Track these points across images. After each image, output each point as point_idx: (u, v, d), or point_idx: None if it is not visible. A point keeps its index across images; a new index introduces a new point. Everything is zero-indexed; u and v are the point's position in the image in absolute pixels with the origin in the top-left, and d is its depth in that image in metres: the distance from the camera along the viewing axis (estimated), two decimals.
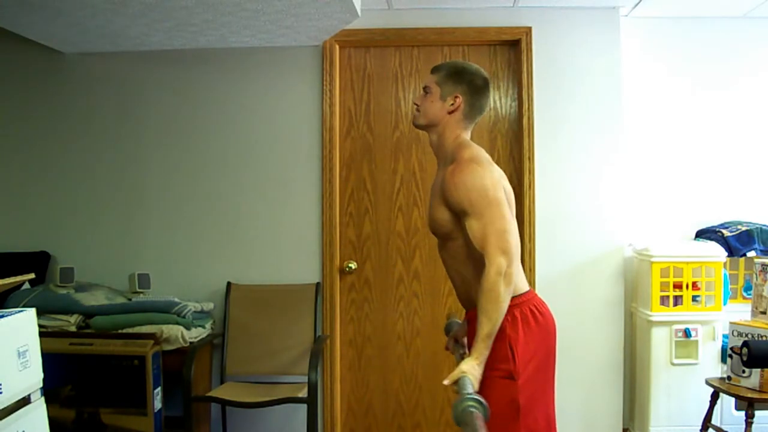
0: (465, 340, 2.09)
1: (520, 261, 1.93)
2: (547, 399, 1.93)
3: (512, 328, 1.81)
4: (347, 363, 3.51)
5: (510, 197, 1.91)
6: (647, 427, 3.16)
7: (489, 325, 1.72)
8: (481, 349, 1.73)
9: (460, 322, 2.21)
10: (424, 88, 2.01)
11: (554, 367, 1.96)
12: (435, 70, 2.01)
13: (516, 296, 1.84)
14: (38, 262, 3.42)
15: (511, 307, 1.79)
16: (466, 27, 3.40)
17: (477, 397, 1.52)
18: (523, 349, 1.81)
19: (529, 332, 1.83)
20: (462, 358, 1.87)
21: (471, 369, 1.70)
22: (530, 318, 1.85)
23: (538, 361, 1.86)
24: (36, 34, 3.22)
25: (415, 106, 2.02)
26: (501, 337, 1.79)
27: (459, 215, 1.84)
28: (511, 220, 1.82)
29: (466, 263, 1.89)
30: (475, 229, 1.79)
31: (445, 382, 1.73)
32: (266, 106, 3.48)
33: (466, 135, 1.98)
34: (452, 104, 1.94)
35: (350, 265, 3.49)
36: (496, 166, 1.90)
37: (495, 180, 1.83)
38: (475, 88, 1.96)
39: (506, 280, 1.73)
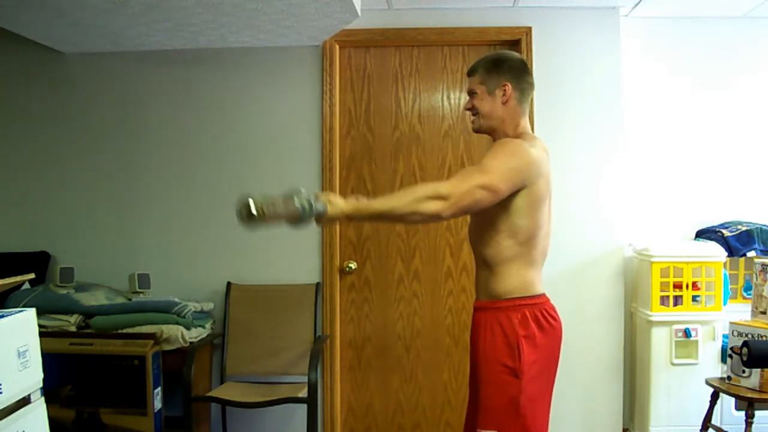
0: None
1: (542, 263, 1.94)
2: (544, 405, 1.93)
3: (522, 327, 1.81)
4: (347, 363, 3.51)
5: (546, 189, 1.90)
6: (647, 427, 3.16)
7: (382, 204, 1.72)
8: (357, 205, 1.71)
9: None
10: (469, 93, 1.99)
11: (555, 375, 1.96)
12: (472, 71, 1.99)
13: (529, 296, 1.85)
14: (38, 262, 3.42)
15: (522, 307, 1.80)
16: (466, 27, 3.40)
17: (309, 198, 1.58)
18: (530, 350, 1.81)
19: (540, 334, 1.84)
20: (471, 356, 1.89)
21: (329, 196, 1.70)
22: (542, 320, 1.86)
23: (542, 365, 1.86)
24: (36, 34, 3.22)
25: (469, 111, 2.00)
26: (510, 333, 1.80)
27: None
28: (490, 197, 1.75)
29: (490, 248, 1.88)
30: (466, 168, 1.79)
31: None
32: (266, 106, 3.48)
33: (525, 120, 1.96)
34: (504, 95, 1.93)
35: (350, 265, 3.49)
36: (539, 152, 1.87)
37: (523, 163, 1.80)
38: (516, 71, 1.95)
39: (428, 206, 1.67)
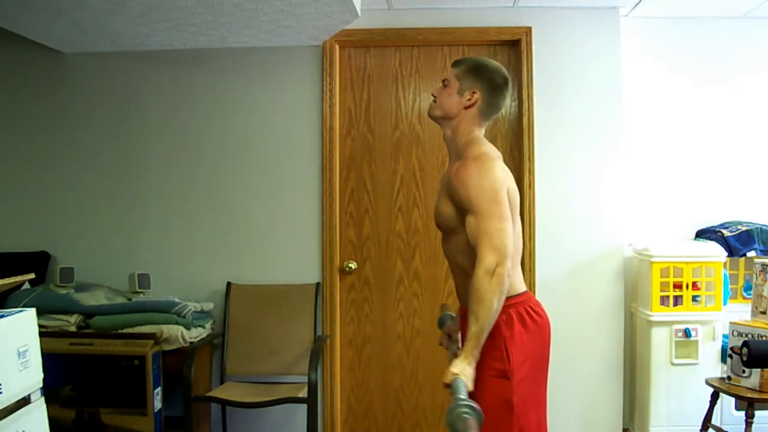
0: (459, 335, 2.08)
1: (519, 262, 1.93)
2: (540, 400, 1.93)
3: (507, 328, 1.81)
4: (347, 363, 3.51)
5: (514, 198, 1.90)
6: (647, 427, 3.16)
7: (476, 324, 1.72)
8: (471, 349, 1.72)
9: (453, 315, 2.20)
10: (444, 81, 1.99)
11: (548, 368, 1.96)
12: (456, 63, 2.00)
13: (512, 296, 1.84)
14: (38, 262, 3.42)
15: (506, 307, 1.79)
16: (466, 27, 3.40)
17: (471, 403, 1.51)
18: (518, 350, 1.81)
19: (524, 332, 1.83)
20: (455, 355, 1.87)
21: (462, 370, 1.70)
22: (526, 318, 1.85)
23: (533, 362, 1.86)
24: (36, 34, 3.22)
25: (433, 97, 2.01)
26: (496, 336, 1.79)
27: (461, 211, 1.84)
28: (510, 221, 1.80)
29: (467, 258, 1.88)
30: (471, 226, 1.79)
31: (444, 381, 1.71)
32: (266, 106, 3.48)
33: (480, 132, 1.96)
34: (469, 99, 1.93)
35: (350, 265, 3.49)
36: (503, 165, 1.88)
37: (498, 179, 1.82)
38: (494, 86, 1.94)
39: (496, 279, 1.70)
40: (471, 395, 1.66)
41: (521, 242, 1.96)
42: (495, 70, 1.97)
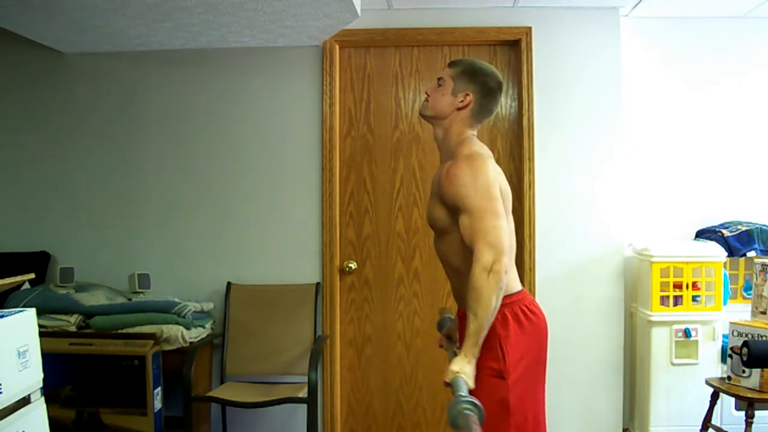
0: (458, 336, 2.09)
1: (513, 261, 1.93)
2: (537, 398, 1.93)
3: (503, 327, 1.81)
4: (347, 363, 3.51)
5: (506, 196, 1.90)
6: (647, 427, 3.16)
7: (475, 322, 1.72)
8: (470, 347, 1.73)
9: (452, 317, 2.20)
10: (438, 80, 2.00)
11: (545, 366, 1.96)
12: (452, 64, 2.00)
13: (507, 295, 1.84)
14: (38, 262, 3.42)
15: (501, 307, 1.79)
16: (466, 27, 3.40)
17: (472, 399, 1.52)
18: (514, 349, 1.81)
19: (520, 332, 1.83)
20: (455, 355, 1.87)
21: (463, 368, 1.71)
22: (521, 317, 1.85)
23: (529, 361, 1.86)
24: (36, 34, 3.22)
25: (425, 96, 2.02)
26: (491, 335, 1.79)
27: (454, 211, 1.84)
28: (504, 217, 1.80)
29: (461, 258, 1.88)
30: (465, 225, 1.79)
31: (445, 380, 1.72)
32: (266, 106, 3.48)
33: (469, 133, 1.97)
34: (462, 101, 1.94)
35: (350, 265, 3.49)
36: (494, 164, 1.89)
37: (490, 177, 1.82)
38: (487, 89, 1.95)
39: (494, 276, 1.70)
40: (471, 393, 1.67)
41: (515, 241, 1.96)
42: (490, 74, 1.97)
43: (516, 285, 1.91)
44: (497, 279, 1.71)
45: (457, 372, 1.70)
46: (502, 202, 1.83)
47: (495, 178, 1.84)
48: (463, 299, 1.96)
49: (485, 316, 1.72)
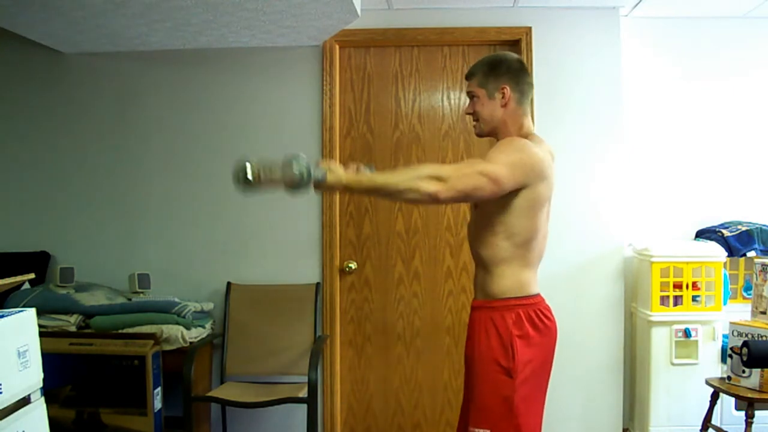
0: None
1: (537, 265, 1.93)
2: (538, 405, 1.92)
3: (516, 327, 1.81)
4: (347, 363, 3.51)
5: (549, 193, 1.93)
6: (647, 427, 3.16)
7: (381, 178, 1.74)
8: (353, 175, 1.73)
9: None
10: (469, 94, 1.99)
11: (549, 376, 1.95)
12: (470, 75, 1.99)
13: (524, 297, 1.84)
14: (38, 262, 3.42)
15: (517, 307, 1.79)
16: (466, 27, 3.40)
17: (307, 163, 1.58)
18: (524, 350, 1.81)
19: (533, 334, 1.83)
20: (466, 355, 1.87)
21: (334, 167, 1.71)
22: (536, 320, 1.85)
23: (537, 365, 1.86)
24: (36, 34, 3.22)
25: (470, 116, 2.00)
26: (503, 333, 1.79)
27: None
28: (500, 185, 1.76)
29: (480, 243, 1.89)
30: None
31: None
32: (266, 106, 3.48)
33: (528, 121, 1.96)
34: (503, 97, 1.93)
35: (350, 265, 3.49)
36: (545, 154, 1.89)
37: (525, 154, 1.81)
38: (514, 72, 1.94)
39: (427, 185, 1.66)
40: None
41: (545, 245, 1.96)
42: (507, 59, 1.97)
43: (534, 288, 1.90)
44: (425, 189, 1.66)
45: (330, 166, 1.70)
46: (542, 198, 1.85)
47: (535, 163, 1.82)
48: (477, 288, 1.96)
49: (390, 185, 1.71)
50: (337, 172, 1.70)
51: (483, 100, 1.94)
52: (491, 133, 1.98)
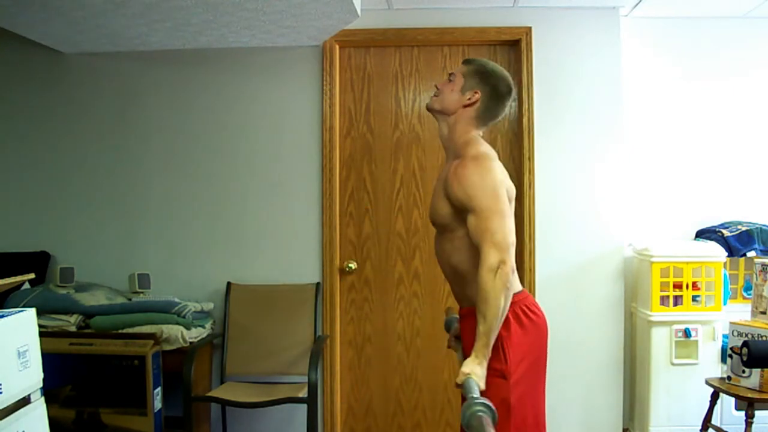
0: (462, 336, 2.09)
1: (514, 261, 1.93)
2: (537, 398, 1.93)
3: (504, 328, 1.81)
4: (347, 363, 3.51)
5: (511, 197, 1.91)
6: (647, 427, 3.16)
7: (484, 324, 1.72)
8: (480, 348, 1.73)
9: (458, 317, 2.21)
10: (449, 75, 2.01)
11: (545, 367, 1.96)
12: (467, 61, 2.01)
13: None
14: (38, 262, 3.42)
15: None
16: (466, 27, 3.40)
17: (484, 401, 1.52)
18: (515, 349, 1.81)
19: (521, 332, 1.84)
20: (465, 356, 1.87)
21: (474, 369, 1.70)
22: (522, 318, 1.86)
23: (530, 362, 1.86)
24: (36, 34, 3.22)
25: (435, 89, 2.03)
26: None
27: (460, 210, 1.85)
28: (511, 217, 1.82)
29: (462, 256, 1.89)
30: (473, 225, 1.79)
31: (456, 382, 1.72)
32: (266, 106, 3.48)
33: (476, 136, 1.97)
34: (469, 99, 1.94)
35: (350, 265, 3.49)
36: (500, 165, 1.90)
37: (497, 178, 1.83)
38: (496, 92, 1.95)
39: (500, 276, 1.71)
40: (483, 394, 1.67)
41: (514, 238, 1.96)
42: (502, 78, 1.97)
43: (517, 285, 1.91)
44: (504, 280, 1.72)
45: (468, 374, 1.69)
46: (510, 196, 1.85)
47: (502, 179, 1.86)
48: (462, 299, 1.97)
49: (494, 317, 1.72)
50: (479, 371, 1.71)
51: (455, 88, 1.96)
52: (438, 114, 2.00)
